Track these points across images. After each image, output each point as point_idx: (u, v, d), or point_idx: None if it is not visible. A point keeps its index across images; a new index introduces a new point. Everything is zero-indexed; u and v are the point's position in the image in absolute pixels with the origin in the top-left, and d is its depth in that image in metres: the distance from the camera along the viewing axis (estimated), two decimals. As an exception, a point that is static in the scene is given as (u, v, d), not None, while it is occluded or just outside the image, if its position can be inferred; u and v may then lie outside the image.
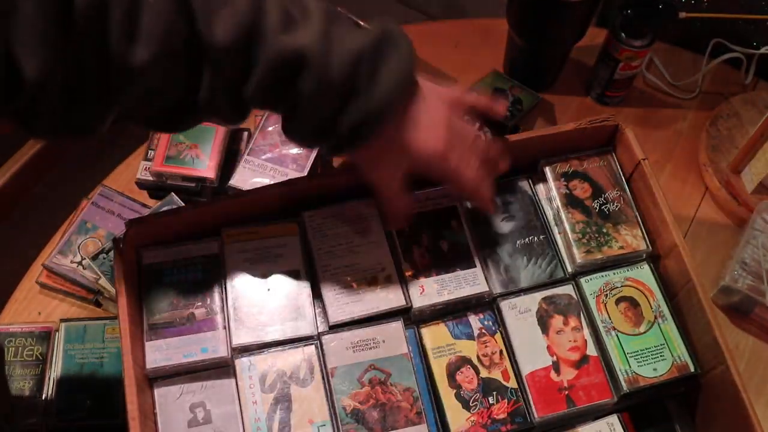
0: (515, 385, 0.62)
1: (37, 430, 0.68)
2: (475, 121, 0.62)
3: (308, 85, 0.50)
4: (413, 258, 0.65)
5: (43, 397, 0.69)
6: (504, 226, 0.68)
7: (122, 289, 0.60)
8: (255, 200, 0.65)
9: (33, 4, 0.39)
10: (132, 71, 0.44)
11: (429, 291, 0.64)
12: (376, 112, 0.52)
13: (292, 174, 0.80)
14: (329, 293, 0.63)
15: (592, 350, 0.63)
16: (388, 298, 0.63)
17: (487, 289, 0.63)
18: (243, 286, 0.63)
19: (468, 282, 0.64)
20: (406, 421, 0.59)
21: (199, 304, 0.63)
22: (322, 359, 0.61)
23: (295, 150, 0.82)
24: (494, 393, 0.61)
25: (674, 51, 1.00)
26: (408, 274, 0.64)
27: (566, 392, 0.62)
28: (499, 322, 0.64)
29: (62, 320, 0.73)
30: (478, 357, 0.62)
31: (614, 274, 0.66)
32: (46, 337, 0.72)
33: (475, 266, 0.64)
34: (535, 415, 0.61)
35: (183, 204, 0.80)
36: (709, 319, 0.61)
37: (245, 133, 0.87)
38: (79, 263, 0.77)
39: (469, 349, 0.63)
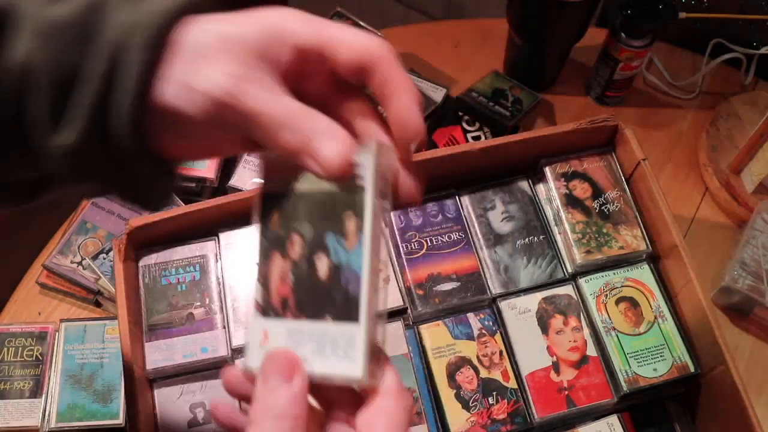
0: (515, 386, 0.62)
1: (37, 430, 0.68)
2: None
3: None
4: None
5: (43, 398, 0.69)
6: (504, 227, 0.68)
7: (122, 290, 0.60)
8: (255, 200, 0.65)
9: None
10: None
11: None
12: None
13: (292, 174, 0.80)
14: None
15: (592, 350, 0.63)
16: (387, 299, 0.63)
17: None
18: (241, 287, 0.64)
19: None
20: (405, 422, 0.59)
21: (198, 304, 0.63)
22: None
23: (295, 150, 0.82)
24: (494, 393, 0.61)
25: (674, 51, 1.00)
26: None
27: (566, 392, 0.62)
28: (499, 322, 0.64)
29: (62, 320, 0.73)
30: (477, 357, 0.62)
31: (614, 274, 0.66)
32: (45, 337, 0.72)
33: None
34: (535, 416, 0.61)
35: (183, 204, 0.80)
36: (709, 319, 0.61)
37: (245, 134, 0.87)
38: (79, 263, 0.77)
39: (468, 349, 0.63)
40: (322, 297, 0.33)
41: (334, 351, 0.32)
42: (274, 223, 0.35)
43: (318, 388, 0.33)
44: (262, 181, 0.36)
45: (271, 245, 0.35)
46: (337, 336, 0.32)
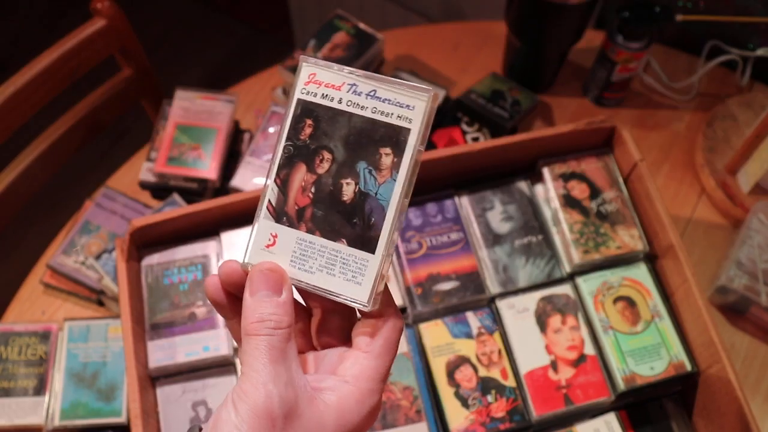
0: (514, 384, 0.62)
1: (40, 429, 0.69)
2: None
3: None
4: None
5: (47, 396, 0.70)
6: (502, 227, 0.69)
7: (125, 289, 0.61)
8: (256, 201, 0.66)
9: None
10: None
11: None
12: None
13: (293, 175, 0.81)
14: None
15: (589, 349, 0.64)
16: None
17: None
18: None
19: None
20: (405, 419, 0.60)
21: (200, 303, 0.64)
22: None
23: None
24: (493, 391, 0.62)
25: (671, 53, 1.01)
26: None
27: (564, 391, 0.62)
28: (498, 321, 0.65)
29: (66, 319, 0.73)
30: (476, 356, 0.63)
31: (612, 273, 0.67)
32: (49, 336, 0.73)
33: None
34: (533, 414, 0.61)
35: (185, 204, 0.80)
36: (705, 318, 0.62)
37: (247, 135, 0.88)
38: (83, 263, 0.78)
39: (468, 348, 0.63)
40: (341, 219, 0.34)
41: (343, 272, 0.34)
42: (305, 133, 0.35)
43: (310, 296, 0.36)
44: (302, 86, 0.36)
45: (298, 154, 0.35)
46: (349, 259, 0.34)
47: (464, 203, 0.70)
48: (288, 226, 0.35)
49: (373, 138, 0.34)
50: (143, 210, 0.82)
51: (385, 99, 0.34)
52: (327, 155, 0.35)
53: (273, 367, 0.31)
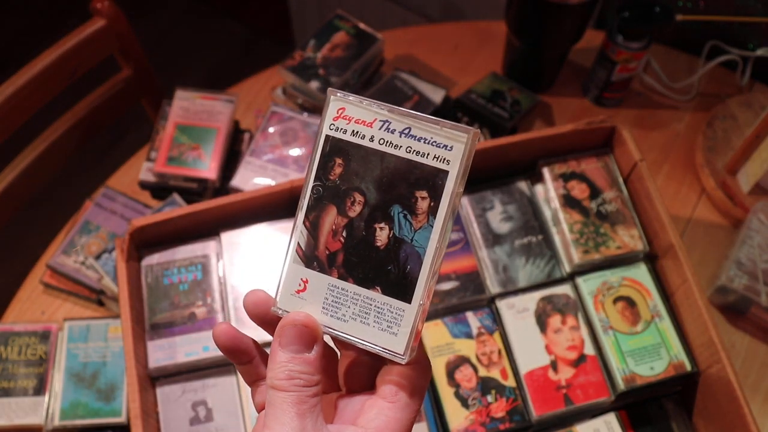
0: (513, 384, 0.62)
1: (40, 429, 0.69)
2: None
3: None
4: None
5: (47, 396, 0.70)
6: (502, 227, 0.69)
7: (124, 289, 0.61)
8: (256, 201, 0.66)
9: None
10: None
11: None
12: None
13: (293, 174, 0.81)
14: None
15: (589, 349, 0.64)
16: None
17: None
18: (243, 286, 0.64)
19: None
20: (405, 419, 0.60)
21: (200, 303, 0.64)
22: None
23: (295, 151, 0.83)
24: (493, 391, 0.62)
25: (671, 53, 1.01)
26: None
27: (564, 391, 0.62)
28: (498, 321, 0.65)
29: (65, 319, 0.73)
30: (476, 356, 0.63)
31: (612, 273, 0.67)
32: (49, 336, 0.73)
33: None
34: (533, 414, 0.61)
35: (185, 204, 0.80)
36: (705, 318, 0.62)
37: (247, 135, 0.88)
38: (83, 263, 0.78)
39: (467, 348, 0.63)
40: (374, 265, 0.32)
41: (378, 321, 0.32)
42: (334, 173, 0.33)
43: (342, 341, 0.34)
44: (330, 122, 0.33)
45: (328, 195, 0.33)
46: (383, 308, 0.32)
47: (464, 203, 0.70)
48: (319, 271, 0.33)
49: (408, 180, 0.32)
50: (143, 210, 0.82)
51: (421, 138, 0.32)
52: (359, 197, 0.33)
53: (300, 422, 0.30)
